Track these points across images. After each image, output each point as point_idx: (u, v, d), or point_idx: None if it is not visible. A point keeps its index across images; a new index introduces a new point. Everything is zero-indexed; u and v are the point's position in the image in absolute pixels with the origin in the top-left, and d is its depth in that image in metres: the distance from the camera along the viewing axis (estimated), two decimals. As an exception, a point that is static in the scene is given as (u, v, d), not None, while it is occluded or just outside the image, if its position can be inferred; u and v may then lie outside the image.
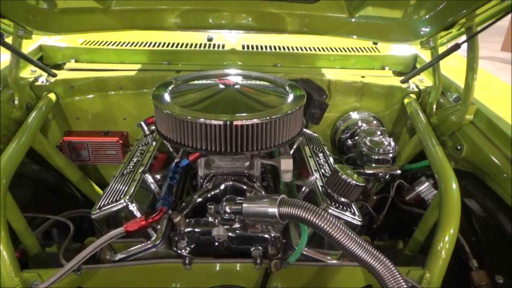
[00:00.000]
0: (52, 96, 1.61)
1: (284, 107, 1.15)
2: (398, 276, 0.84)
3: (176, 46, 1.77)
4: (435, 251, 1.12)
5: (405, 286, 0.82)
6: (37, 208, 1.42)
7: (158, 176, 1.30)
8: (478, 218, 1.26)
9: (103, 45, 1.76)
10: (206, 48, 1.78)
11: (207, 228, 1.09)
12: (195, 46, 1.78)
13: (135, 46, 1.76)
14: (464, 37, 1.37)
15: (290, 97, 1.22)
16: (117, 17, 1.38)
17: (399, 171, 1.49)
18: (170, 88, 1.27)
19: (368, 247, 0.87)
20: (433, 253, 1.12)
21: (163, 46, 1.77)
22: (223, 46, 1.79)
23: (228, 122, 1.05)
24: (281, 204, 0.94)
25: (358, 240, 0.88)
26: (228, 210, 1.05)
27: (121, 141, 1.69)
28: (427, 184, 1.45)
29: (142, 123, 1.41)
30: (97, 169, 1.81)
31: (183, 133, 1.11)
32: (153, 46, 1.77)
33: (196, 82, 1.35)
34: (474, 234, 1.25)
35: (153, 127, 1.42)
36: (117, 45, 1.76)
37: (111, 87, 1.66)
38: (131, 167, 1.28)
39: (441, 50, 1.51)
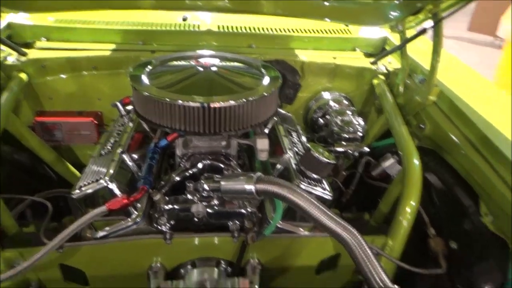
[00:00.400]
0: (23, 76, 1.58)
1: (260, 89, 1.20)
2: (364, 244, 0.92)
3: (151, 26, 1.76)
4: (398, 221, 1.22)
5: (369, 252, 0.91)
6: (11, 189, 1.42)
7: (135, 156, 1.33)
8: (437, 191, 1.37)
9: (75, 23, 1.73)
10: (181, 28, 1.78)
11: (187, 205, 1.14)
12: (170, 26, 1.77)
13: (108, 25, 1.73)
14: (431, 22, 1.45)
15: (266, 79, 1.27)
16: None
17: (367, 149, 1.58)
18: (147, 69, 1.28)
19: (338, 219, 0.95)
20: (396, 223, 1.22)
21: (137, 26, 1.76)
22: (198, 27, 1.80)
23: (206, 104, 1.09)
24: (258, 181, 1.00)
25: (329, 213, 0.96)
26: (207, 188, 1.10)
27: (95, 122, 1.68)
28: (392, 160, 1.55)
29: (118, 103, 1.42)
30: (71, 149, 1.81)
31: (162, 114, 1.14)
32: (127, 25, 1.75)
33: (173, 63, 1.37)
34: (433, 205, 1.36)
35: (129, 108, 1.44)
36: (89, 24, 1.73)
37: (85, 67, 1.65)
38: (109, 147, 1.30)
39: (410, 34, 1.58)
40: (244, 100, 1.13)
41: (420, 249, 1.29)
